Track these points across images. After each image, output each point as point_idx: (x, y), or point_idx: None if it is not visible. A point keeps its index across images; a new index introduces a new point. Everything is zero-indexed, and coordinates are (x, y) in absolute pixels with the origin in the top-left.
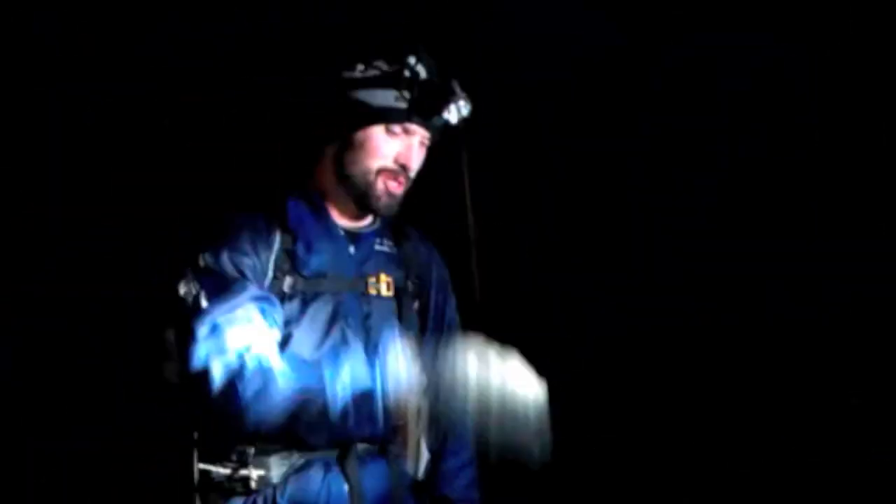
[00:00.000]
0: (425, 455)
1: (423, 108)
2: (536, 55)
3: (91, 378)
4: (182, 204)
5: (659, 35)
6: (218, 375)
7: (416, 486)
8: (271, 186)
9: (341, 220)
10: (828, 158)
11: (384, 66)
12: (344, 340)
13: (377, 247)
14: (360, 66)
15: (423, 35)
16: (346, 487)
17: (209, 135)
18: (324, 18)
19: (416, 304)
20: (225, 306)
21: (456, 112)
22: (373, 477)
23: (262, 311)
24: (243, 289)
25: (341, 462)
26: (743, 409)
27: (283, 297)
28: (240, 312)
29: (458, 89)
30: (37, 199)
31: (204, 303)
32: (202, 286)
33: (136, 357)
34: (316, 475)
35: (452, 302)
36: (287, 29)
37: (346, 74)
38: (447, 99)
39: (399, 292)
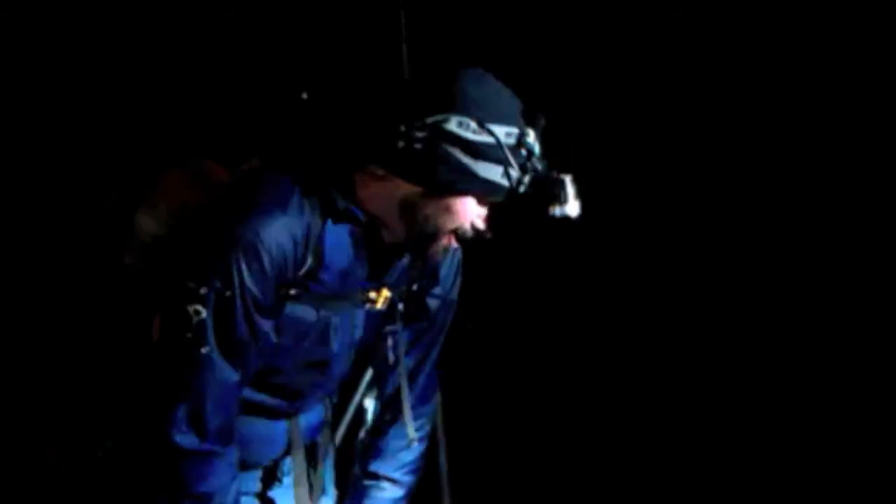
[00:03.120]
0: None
1: (531, 199)
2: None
3: (91, 378)
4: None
5: (659, 35)
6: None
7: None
8: (311, 195)
9: (375, 245)
10: (828, 158)
11: (497, 135)
12: (327, 358)
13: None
14: (471, 125)
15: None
16: (286, 423)
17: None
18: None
19: (401, 305)
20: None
21: (563, 211)
22: (309, 416)
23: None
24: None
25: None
26: (743, 409)
27: (284, 305)
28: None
29: (570, 187)
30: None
31: (203, 349)
32: (205, 325)
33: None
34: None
35: (453, 300)
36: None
37: (453, 129)
38: (557, 198)
39: (393, 304)
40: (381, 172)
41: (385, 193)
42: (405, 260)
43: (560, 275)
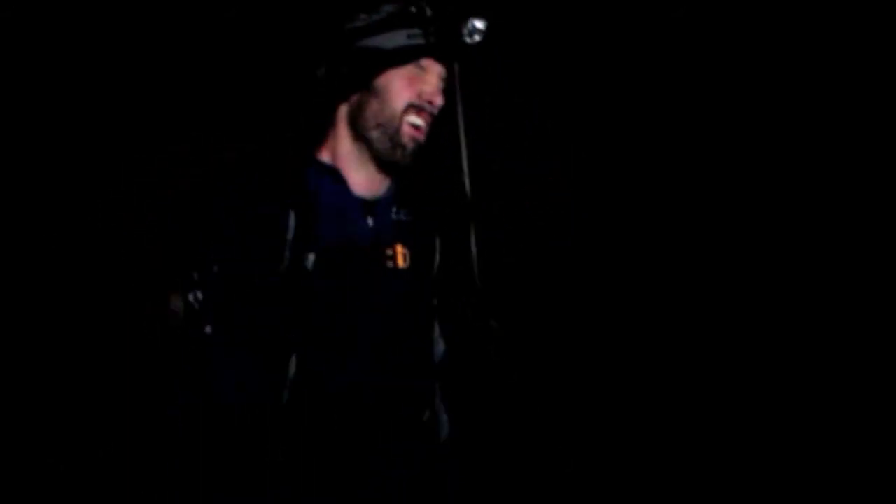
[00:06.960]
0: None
1: (440, 37)
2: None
3: (92, 378)
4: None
5: (659, 34)
6: None
7: None
8: (281, 157)
9: (358, 190)
10: (827, 158)
11: (389, 9)
12: (359, 319)
13: (394, 216)
14: (363, 15)
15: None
16: None
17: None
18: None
19: (433, 272)
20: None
21: (472, 32)
22: None
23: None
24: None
25: None
26: (741, 409)
27: (304, 275)
28: None
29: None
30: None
31: (207, 329)
32: (205, 303)
33: (136, 357)
34: None
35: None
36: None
37: (351, 25)
38: (459, 21)
39: (415, 264)
40: (336, 120)
41: (341, 129)
42: (399, 213)
43: (586, 276)
